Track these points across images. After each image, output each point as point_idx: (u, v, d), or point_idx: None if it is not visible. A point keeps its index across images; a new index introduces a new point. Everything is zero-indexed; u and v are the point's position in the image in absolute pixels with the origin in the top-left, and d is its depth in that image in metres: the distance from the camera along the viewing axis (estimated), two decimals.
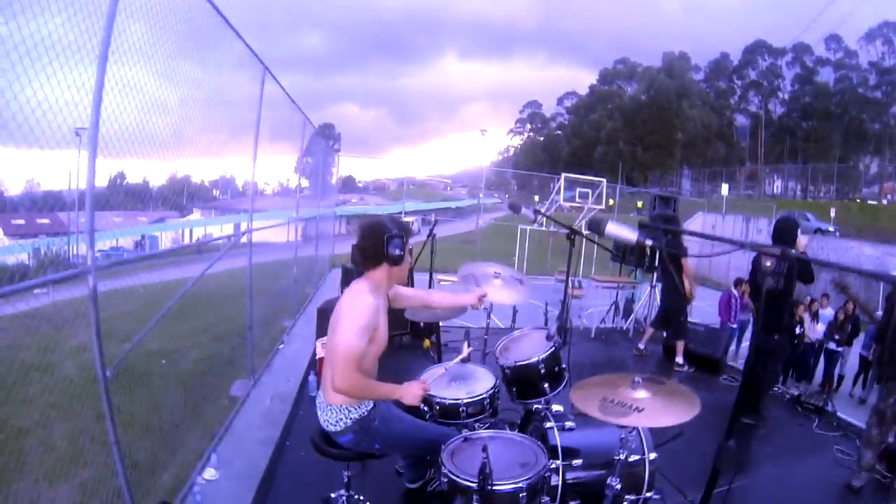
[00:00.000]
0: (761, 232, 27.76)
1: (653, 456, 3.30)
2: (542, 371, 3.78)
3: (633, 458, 3.19)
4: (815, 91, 62.43)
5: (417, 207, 50.53)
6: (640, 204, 25.49)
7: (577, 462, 3.22)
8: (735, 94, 70.53)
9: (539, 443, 3.06)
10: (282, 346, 8.43)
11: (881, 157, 58.11)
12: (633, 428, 3.15)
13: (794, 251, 5.63)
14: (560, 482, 3.13)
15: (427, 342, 7.53)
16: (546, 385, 3.78)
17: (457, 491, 2.70)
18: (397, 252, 3.12)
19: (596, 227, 2.77)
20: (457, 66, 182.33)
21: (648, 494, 3.26)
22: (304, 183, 13.31)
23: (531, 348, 3.96)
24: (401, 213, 44.09)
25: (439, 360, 4.00)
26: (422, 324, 7.48)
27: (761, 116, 65.30)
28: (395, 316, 6.22)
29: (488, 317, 5.24)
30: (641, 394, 2.84)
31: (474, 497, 2.58)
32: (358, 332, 2.93)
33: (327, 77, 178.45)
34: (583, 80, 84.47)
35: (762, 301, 5.92)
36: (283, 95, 8.39)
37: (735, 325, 11.33)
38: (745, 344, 11.62)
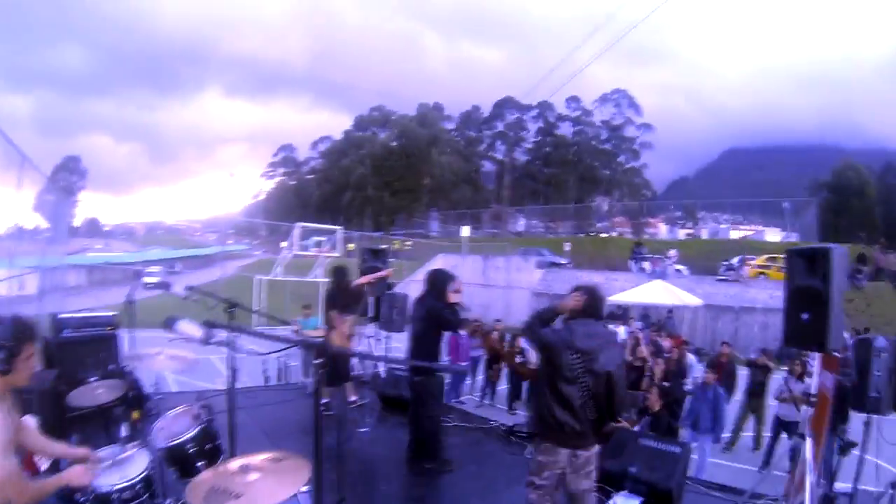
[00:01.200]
0: (499, 269, 30.39)
1: None
2: (193, 450, 3.76)
3: None
4: (556, 142, 73.41)
5: (164, 256, 48.50)
6: (350, 246, 25.34)
7: None
8: (483, 143, 77.87)
9: None
10: None
11: (611, 197, 69.11)
12: None
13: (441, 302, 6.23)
14: None
15: (136, 414, 7.19)
16: (201, 464, 3.72)
17: None
18: None
19: (169, 325, 2.92)
20: (219, 103, 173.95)
21: None
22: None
23: (183, 426, 3.95)
24: (145, 261, 42.62)
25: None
26: (130, 394, 7.16)
27: (506, 163, 72.78)
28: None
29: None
30: (252, 476, 2.72)
31: None
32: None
33: (82, 99, 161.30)
34: (342, 125, 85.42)
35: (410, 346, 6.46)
36: None
37: (466, 363, 12.13)
38: (480, 377, 13.28)
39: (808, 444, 5.42)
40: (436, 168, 68.04)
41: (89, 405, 4.44)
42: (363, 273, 9.99)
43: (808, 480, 5.28)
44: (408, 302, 10.58)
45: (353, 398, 8.47)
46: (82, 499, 3.24)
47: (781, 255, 29.18)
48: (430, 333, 6.32)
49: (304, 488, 3.00)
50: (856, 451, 5.52)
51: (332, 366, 8.28)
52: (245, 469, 2.73)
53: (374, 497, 5.73)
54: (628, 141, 72.68)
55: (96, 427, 5.66)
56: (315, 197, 75.26)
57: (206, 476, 2.78)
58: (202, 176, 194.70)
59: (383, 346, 10.66)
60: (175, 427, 3.99)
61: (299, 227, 19.82)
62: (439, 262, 32.65)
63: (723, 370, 10.94)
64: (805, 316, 5.15)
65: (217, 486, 2.62)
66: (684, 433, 8.69)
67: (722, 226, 52.16)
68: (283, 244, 20.69)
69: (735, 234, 45.89)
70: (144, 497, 3.43)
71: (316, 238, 20.64)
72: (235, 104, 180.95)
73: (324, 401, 8.31)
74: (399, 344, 12.12)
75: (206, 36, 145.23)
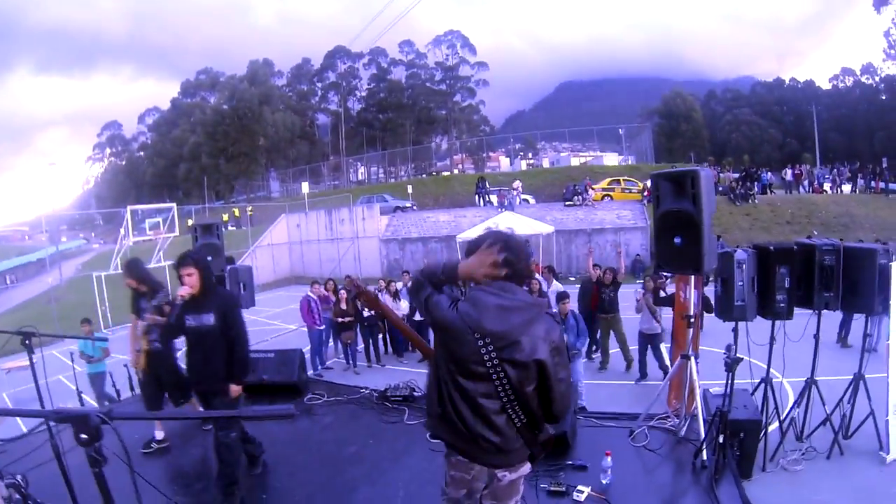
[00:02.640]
0: (343, 222, 29.99)
1: None
2: None
3: None
4: (389, 87, 72.81)
5: None
6: (189, 222, 22.51)
7: None
8: (316, 96, 76.15)
9: None
10: None
11: (449, 136, 70.44)
12: None
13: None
14: None
15: None
16: None
17: None
18: None
19: None
20: (31, 83, 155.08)
21: None
22: None
23: None
24: None
25: None
26: None
27: (341, 113, 71.78)
28: None
29: None
30: None
31: None
32: None
33: None
34: (170, 93, 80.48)
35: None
36: None
37: (323, 327, 11.91)
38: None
39: (693, 364, 5.63)
40: (269, 127, 65.29)
41: None
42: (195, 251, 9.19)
43: (698, 395, 5.54)
44: (252, 274, 10.12)
45: (159, 434, 6.46)
46: None
47: (623, 177, 31.09)
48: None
49: None
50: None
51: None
52: None
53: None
54: (463, 80, 73.26)
55: None
56: (149, 175, 70.87)
57: None
58: (21, 170, 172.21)
59: None
60: None
61: (129, 210, 18.75)
62: (282, 223, 32.03)
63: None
64: (677, 240, 5.27)
65: None
66: None
67: (562, 154, 53.87)
68: (122, 231, 19.50)
69: (575, 161, 47.42)
70: None
71: (150, 220, 19.62)
72: (50, 81, 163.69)
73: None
74: (254, 317, 11.61)
75: (6, 8, 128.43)
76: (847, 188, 32.46)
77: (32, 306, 26.40)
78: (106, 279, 18.49)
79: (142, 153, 78.25)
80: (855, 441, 6.34)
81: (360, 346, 12.31)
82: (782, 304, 5.83)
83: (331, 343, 12.87)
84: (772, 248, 5.85)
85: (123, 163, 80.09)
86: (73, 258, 40.18)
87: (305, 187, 36.66)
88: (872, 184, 31.84)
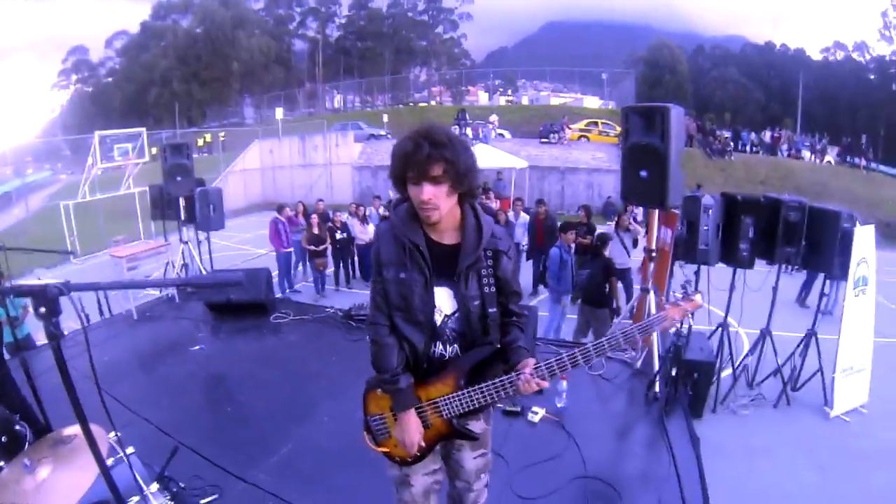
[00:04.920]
0: (317, 148, 29.76)
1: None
2: None
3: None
4: (370, 15, 71.27)
5: None
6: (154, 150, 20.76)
7: None
8: (294, 21, 73.92)
9: None
10: None
11: (428, 68, 69.31)
12: None
13: None
14: None
15: None
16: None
17: None
18: None
19: None
20: None
21: None
22: None
23: None
24: None
25: None
26: None
27: (319, 40, 69.95)
28: None
29: None
30: (41, 473, 2.21)
31: None
32: None
33: None
34: (140, 16, 77.44)
35: None
36: None
37: (291, 249, 12.03)
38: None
39: (652, 297, 5.87)
40: (244, 51, 63.27)
41: None
42: (167, 173, 9.15)
43: (655, 332, 5.88)
44: (221, 196, 9.80)
45: None
46: None
47: (602, 120, 30.91)
48: None
49: (111, 461, 2.74)
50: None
51: None
52: (30, 468, 2.21)
53: (221, 419, 5.30)
54: (447, 12, 72.38)
55: None
56: (118, 101, 68.25)
57: None
58: None
59: (201, 251, 9.95)
60: None
61: (97, 136, 18.30)
62: (255, 149, 31.41)
63: (543, 227, 11.36)
64: (643, 173, 5.36)
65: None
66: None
67: (542, 93, 53.26)
68: (91, 160, 18.99)
69: (555, 101, 46.98)
70: None
71: (119, 146, 19.15)
72: (14, 4, 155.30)
73: None
74: (225, 242, 11.39)
75: None
76: (829, 158, 32.62)
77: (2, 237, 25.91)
78: (74, 208, 18.18)
79: (110, 79, 75.17)
80: (802, 394, 6.70)
81: (330, 269, 12.47)
82: (745, 253, 6.03)
83: (300, 267, 13.04)
84: (739, 197, 6.01)
85: (90, 89, 77.01)
86: (40, 190, 39.39)
87: (279, 113, 35.79)
88: (856, 159, 32.15)
